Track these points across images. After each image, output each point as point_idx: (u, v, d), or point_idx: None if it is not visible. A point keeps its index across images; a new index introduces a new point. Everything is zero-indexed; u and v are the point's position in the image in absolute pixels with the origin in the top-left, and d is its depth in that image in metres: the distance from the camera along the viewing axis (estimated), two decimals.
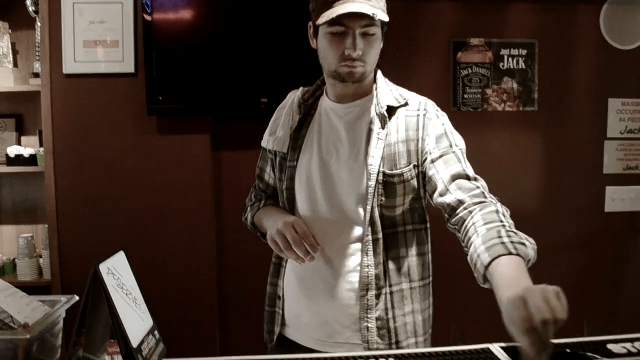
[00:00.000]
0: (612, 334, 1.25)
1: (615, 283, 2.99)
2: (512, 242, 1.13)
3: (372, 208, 1.32)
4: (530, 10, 2.83)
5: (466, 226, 1.24)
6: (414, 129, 1.35)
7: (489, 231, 1.17)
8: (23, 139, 3.07)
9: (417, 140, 1.34)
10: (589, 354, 1.04)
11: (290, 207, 1.42)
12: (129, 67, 2.61)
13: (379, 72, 1.45)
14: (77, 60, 2.61)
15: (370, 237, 1.33)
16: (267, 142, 1.50)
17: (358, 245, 1.36)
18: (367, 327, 1.34)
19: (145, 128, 2.63)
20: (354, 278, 1.35)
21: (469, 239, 1.21)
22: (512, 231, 1.17)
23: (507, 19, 2.84)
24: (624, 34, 2.88)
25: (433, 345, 1.44)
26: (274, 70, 2.49)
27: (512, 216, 2.81)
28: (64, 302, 1.15)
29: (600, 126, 2.94)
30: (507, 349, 1.16)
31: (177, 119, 2.64)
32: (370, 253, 1.34)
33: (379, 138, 1.34)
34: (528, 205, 2.90)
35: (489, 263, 1.11)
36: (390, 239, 1.36)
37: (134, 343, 1.00)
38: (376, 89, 1.41)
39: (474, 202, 1.25)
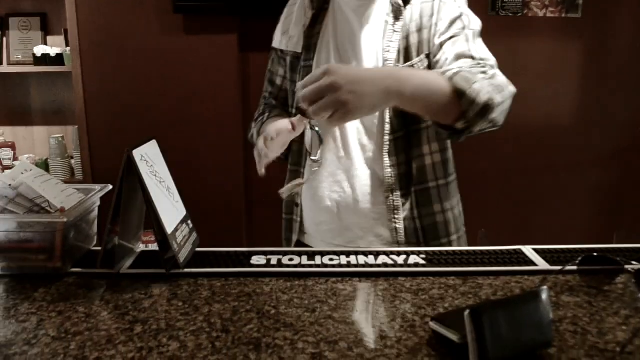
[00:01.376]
0: None
1: None
2: (455, 72, 1.09)
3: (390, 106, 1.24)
4: None
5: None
6: (429, 15, 1.25)
7: (450, 64, 1.16)
8: (49, 38, 3.03)
9: (431, 26, 1.24)
10: (617, 258, 1.02)
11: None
12: None
13: None
14: None
15: (390, 137, 1.28)
16: (279, 42, 1.40)
17: (380, 145, 1.30)
18: (396, 229, 1.31)
19: (172, 26, 2.58)
20: (376, 179, 1.31)
21: None
22: (473, 72, 1.11)
23: None
24: None
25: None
26: None
27: (548, 128, 2.73)
28: (98, 190, 1.17)
29: None
30: (539, 251, 1.16)
31: (204, 17, 2.57)
32: (393, 152, 1.29)
33: (394, 30, 1.25)
34: (566, 117, 2.83)
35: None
36: (412, 137, 1.30)
37: (169, 229, 1.01)
38: None
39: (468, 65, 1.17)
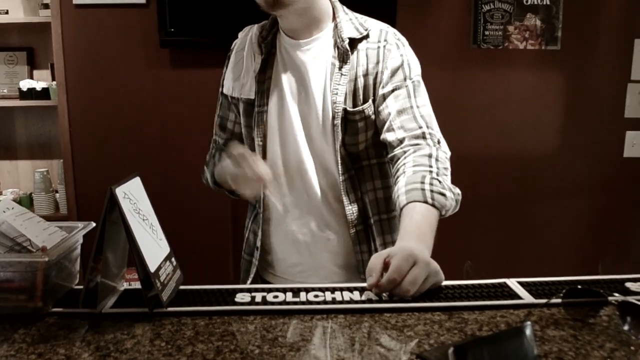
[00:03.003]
0: (629, 274, 1.23)
1: (631, 228, 2.98)
2: (432, 190, 1.16)
3: (340, 147, 1.30)
4: None
5: (397, 166, 1.26)
6: (374, 62, 1.29)
7: (414, 174, 1.19)
8: (35, 72, 3.04)
9: (376, 73, 1.29)
10: (600, 290, 1.02)
11: (263, 155, 1.36)
12: None
13: (337, 1, 1.36)
14: None
15: (342, 177, 1.33)
16: (230, 89, 1.40)
17: (336, 186, 1.35)
18: (362, 260, 1.36)
19: (158, 61, 2.60)
20: (341, 218, 1.36)
21: (397, 178, 1.24)
22: (437, 179, 1.19)
23: None
24: None
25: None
26: None
27: (530, 158, 2.78)
28: (81, 227, 1.16)
29: (625, 68, 2.86)
30: (523, 284, 1.16)
31: (190, 52, 2.59)
32: (350, 191, 1.34)
33: (342, 74, 1.28)
34: (547, 146, 2.87)
35: (404, 206, 1.16)
36: (360, 174, 1.36)
37: (152, 268, 1.00)
38: (335, 20, 1.32)
39: (411, 144, 1.25)
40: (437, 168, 1.21)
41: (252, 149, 1.39)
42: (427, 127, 1.27)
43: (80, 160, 2.69)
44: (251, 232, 1.49)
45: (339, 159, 1.31)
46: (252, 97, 1.35)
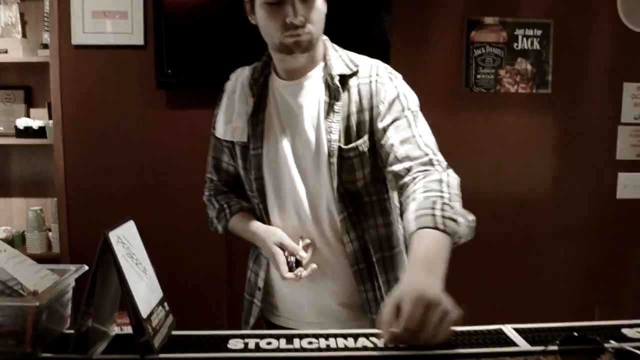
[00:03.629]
0: (625, 319, 1.23)
1: (625, 270, 2.97)
2: (443, 216, 1.10)
3: (337, 185, 1.30)
4: None
5: (407, 193, 1.21)
6: (367, 97, 1.29)
7: (425, 200, 1.14)
8: (32, 111, 3.06)
9: (371, 108, 1.29)
10: (597, 338, 1.01)
11: (262, 197, 1.38)
12: (138, 39, 2.59)
13: (327, 39, 1.37)
14: (85, 31, 2.59)
15: (342, 215, 1.33)
16: (222, 132, 1.40)
17: (335, 225, 1.35)
18: (367, 298, 1.35)
19: (154, 101, 2.62)
20: (341, 256, 1.36)
21: (407, 205, 1.18)
22: (449, 204, 1.13)
23: None
24: None
25: None
26: None
27: (522, 200, 2.78)
28: (74, 271, 1.14)
29: (615, 111, 2.90)
30: (519, 330, 1.15)
31: (186, 93, 2.62)
32: (349, 229, 1.34)
33: (335, 112, 1.29)
34: (539, 189, 2.88)
35: (413, 232, 1.09)
36: (360, 212, 1.35)
37: (144, 313, 0.99)
38: (325, 58, 1.34)
39: (420, 170, 1.22)
40: (449, 193, 1.17)
41: (251, 191, 1.41)
42: (433, 153, 1.25)
43: (74, 199, 2.68)
44: (253, 272, 1.48)
45: (336, 197, 1.31)
46: (245, 140, 1.36)
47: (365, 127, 1.30)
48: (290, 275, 1.28)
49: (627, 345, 0.96)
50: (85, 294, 1.00)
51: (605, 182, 2.92)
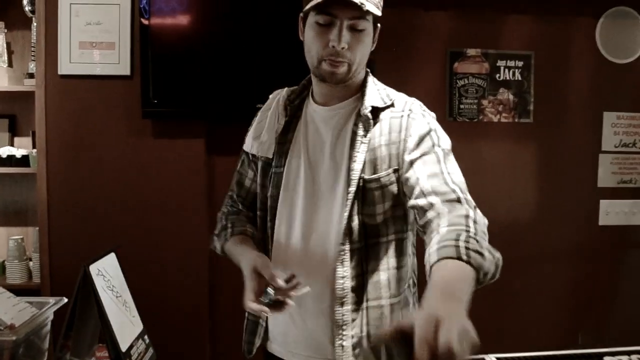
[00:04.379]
0: (607, 346, 1.23)
1: (608, 296, 2.98)
2: (467, 247, 0.99)
3: (351, 216, 1.25)
4: (527, 22, 2.84)
5: (431, 227, 1.13)
6: (397, 130, 1.26)
7: (449, 232, 1.05)
8: (16, 139, 3.04)
9: (399, 142, 1.25)
10: None
11: (272, 215, 1.35)
12: (124, 69, 2.60)
13: (369, 72, 1.36)
14: (72, 61, 2.60)
15: (347, 247, 1.26)
16: (250, 146, 1.41)
17: (338, 257, 1.28)
18: (342, 346, 1.26)
19: (140, 131, 2.62)
20: (334, 293, 1.28)
21: (430, 240, 1.09)
22: (475, 238, 1.03)
23: (504, 30, 2.85)
24: (620, 48, 2.90)
25: None
26: (270, 76, 2.47)
27: (506, 227, 2.79)
28: (52, 304, 1.13)
29: (595, 139, 2.95)
30: (502, 359, 1.15)
31: (172, 122, 2.62)
32: (347, 264, 1.26)
33: (362, 142, 1.26)
34: (522, 216, 2.90)
35: (434, 263, 0.99)
36: (370, 250, 1.29)
37: (123, 347, 0.98)
38: (363, 90, 1.32)
39: (446, 206, 1.14)
40: (475, 229, 1.06)
41: (262, 209, 1.39)
42: (462, 192, 1.16)
43: (56, 228, 2.65)
44: None
45: (343, 227, 1.25)
46: (270, 156, 1.35)
47: (392, 160, 1.26)
48: (252, 305, 1.18)
49: None
50: (64, 327, 0.99)
51: (587, 209, 2.95)
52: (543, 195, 2.92)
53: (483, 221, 1.13)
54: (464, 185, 1.19)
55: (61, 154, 2.64)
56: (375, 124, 1.28)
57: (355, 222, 1.26)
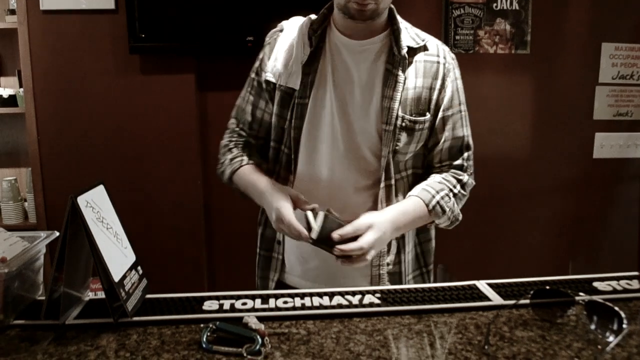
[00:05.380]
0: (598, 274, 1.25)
1: (600, 228, 3.02)
2: (438, 201, 1.29)
3: (388, 153, 1.28)
4: None
5: (432, 172, 1.37)
6: (434, 77, 1.30)
7: (438, 183, 1.32)
8: (2, 79, 2.97)
9: (435, 89, 1.30)
10: (568, 291, 1.03)
11: (295, 147, 1.33)
12: (109, 3, 2.51)
13: (394, 10, 1.33)
14: None
15: (384, 184, 1.30)
16: (276, 75, 1.34)
17: (371, 191, 1.32)
18: (379, 275, 1.34)
19: (128, 67, 2.56)
20: None
21: (425, 177, 1.36)
22: (450, 196, 1.31)
23: None
24: None
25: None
26: (260, 8, 2.40)
27: (500, 160, 2.80)
28: (44, 237, 1.13)
29: (593, 71, 2.90)
30: (493, 285, 1.16)
31: (161, 58, 2.56)
32: (384, 199, 1.31)
33: (397, 81, 1.27)
34: (517, 149, 2.90)
35: (411, 195, 1.30)
36: (398, 185, 1.33)
37: (116, 277, 0.98)
38: (393, 27, 1.30)
39: (451, 167, 1.36)
40: (458, 191, 1.33)
41: (280, 140, 1.36)
42: (468, 159, 1.37)
43: (48, 168, 2.63)
44: (268, 227, 1.41)
45: (383, 165, 1.29)
46: (296, 87, 1.31)
47: (428, 104, 1.30)
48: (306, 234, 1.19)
49: (597, 298, 0.98)
50: (55, 260, 0.98)
51: (582, 142, 2.94)
52: (538, 128, 2.90)
53: (470, 183, 1.38)
54: (471, 151, 1.38)
55: (49, 92, 2.59)
56: (409, 64, 1.29)
57: (388, 160, 1.29)
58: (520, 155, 2.90)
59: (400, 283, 1.35)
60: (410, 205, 1.27)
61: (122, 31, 2.47)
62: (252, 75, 1.41)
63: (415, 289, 1.15)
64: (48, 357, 0.90)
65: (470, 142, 1.38)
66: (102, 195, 1.05)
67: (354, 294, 1.11)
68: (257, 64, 1.40)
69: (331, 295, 1.10)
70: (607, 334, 0.93)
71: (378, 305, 1.05)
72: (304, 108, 1.30)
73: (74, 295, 1.06)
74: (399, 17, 1.32)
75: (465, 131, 1.36)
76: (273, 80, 1.34)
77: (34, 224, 2.72)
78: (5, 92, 2.74)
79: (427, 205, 1.27)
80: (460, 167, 1.36)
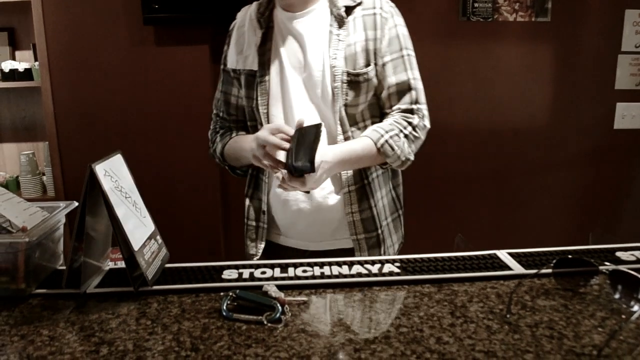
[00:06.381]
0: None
1: (620, 199, 2.98)
2: (386, 140, 1.33)
3: (340, 107, 1.37)
4: None
5: (385, 117, 1.42)
6: (372, 28, 1.38)
7: (388, 124, 1.36)
8: (17, 53, 2.98)
9: (375, 39, 1.38)
10: (591, 260, 1.01)
11: (266, 120, 1.43)
12: None
13: None
14: None
15: (342, 137, 1.39)
16: (234, 62, 1.47)
17: (334, 144, 1.40)
18: (354, 222, 1.42)
19: (142, 38, 2.54)
20: (335, 178, 1.42)
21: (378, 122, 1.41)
22: (400, 137, 1.35)
23: None
24: None
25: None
26: None
27: (520, 131, 2.76)
28: (63, 207, 1.13)
29: (615, 39, 2.82)
30: (514, 254, 1.15)
31: (175, 28, 2.54)
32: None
33: (339, 39, 1.37)
34: (537, 119, 2.85)
35: (362, 135, 1.36)
36: (356, 135, 1.41)
37: (135, 246, 0.98)
38: None
39: (401, 110, 1.39)
40: (409, 132, 1.37)
41: (253, 118, 1.46)
42: (418, 102, 1.40)
43: (65, 141, 2.65)
44: (254, 199, 1.52)
45: (337, 120, 1.38)
46: (255, 68, 1.42)
47: (371, 56, 1.38)
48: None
49: (622, 267, 0.96)
50: (75, 229, 0.98)
51: (603, 111, 2.88)
52: (558, 97, 2.85)
53: (422, 129, 1.41)
54: (421, 93, 1.41)
55: (64, 65, 2.59)
56: (347, 22, 1.38)
57: (343, 113, 1.38)
58: (540, 125, 2.85)
59: (376, 227, 1.44)
60: (359, 143, 1.33)
61: (136, 2, 2.45)
62: (221, 67, 1.53)
63: (435, 258, 1.14)
64: (70, 325, 0.91)
65: (417, 84, 1.41)
66: (120, 164, 1.05)
67: (373, 262, 1.10)
68: (223, 57, 1.53)
69: (350, 264, 1.09)
70: (632, 303, 0.91)
71: (398, 274, 1.05)
72: (265, 85, 1.42)
73: (94, 265, 1.07)
74: None
75: (410, 74, 1.40)
76: (236, 67, 1.47)
77: (52, 197, 2.75)
78: (21, 66, 2.74)
79: (375, 144, 1.32)
80: (410, 111, 1.39)
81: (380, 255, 1.45)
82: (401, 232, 1.57)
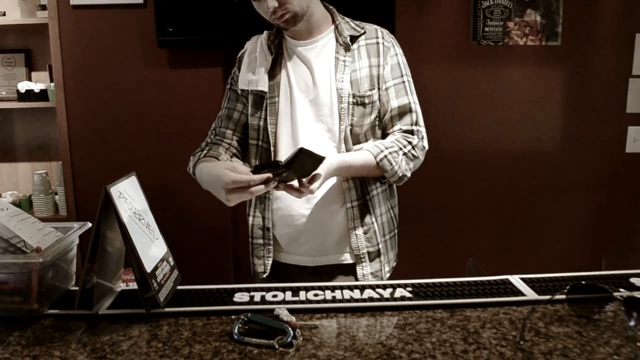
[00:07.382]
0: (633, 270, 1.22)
1: (633, 224, 2.95)
2: (386, 156, 1.41)
3: (345, 127, 1.46)
4: None
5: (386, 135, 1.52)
6: (375, 55, 1.50)
7: (389, 142, 1.45)
8: (33, 74, 3.02)
9: (378, 66, 1.49)
10: (605, 286, 1.00)
11: (274, 140, 1.51)
12: None
13: (333, 9, 1.55)
14: None
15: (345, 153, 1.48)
16: (245, 84, 1.55)
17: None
18: (356, 235, 1.49)
19: (156, 61, 2.58)
20: (338, 193, 1.49)
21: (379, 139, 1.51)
22: (400, 155, 1.43)
23: None
24: None
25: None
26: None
27: (531, 154, 2.76)
28: (77, 228, 1.14)
29: (626, 63, 2.82)
30: (526, 280, 1.14)
31: (189, 51, 2.57)
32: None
33: (345, 65, 1.48)
34: (548, 143, 2.84)
35: (363, 149, 1.44)
36: None
37: (148, 268, 0.99)
38: (335, 23, 1.52)
39: (402, 132, 1.49)
40: (408, 151, 1.46)
41: (258, 137, 1.54)
42: (417, 123, 1.51)
43: (79, 161, 2.67)
44: (258, 216, 1.56)
45: (342, 139, 1.46)
46: (265, 89, 1.51)
47: (375, 81, 1.49)
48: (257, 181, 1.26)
49: (636, 294, 0.95)
50: (89, 250, 0.99)
51: (615, 136, 2.87)
52: (569, 121, 2.84)
53: (421, 150, 1.50)
54: (420, 115, 1.52)
55: (79, 86, 2.62)
56: (353, 49, 1.50)
57: (347, 133, 1.46)
58: (552, 149, 2.84)
59: (377, 242, 1.51)
60: (359, 154, 1.43)
61: (151, 25, 2.49)
62: (227, 87, 1.63)
63: (447, 283, 1.13)
64: (82, 346, 0.91)
65: (417, 108, 1.51)
66: (135, 185, 1.06)
67: (384, 287, 1.10)
68: (230, 78, 1.63)
69: (362, 288, 1.09)
70: None
71: (409, 299, 1.04)
72: (276, 106, 1.51)
73: (106, 286, 1.07)
74: (339, 15, 1.55)
75: (410, 98, 1.50)
76: (246, 87, 1.55)
77: (64, 217, 2.76)
78: (37, 87, 2.78)
79: (375, 158, 1.41)
80: (410, 132, 1.49)
81: (381, 266, 1.51)
82: (395, 251, 1.63)
